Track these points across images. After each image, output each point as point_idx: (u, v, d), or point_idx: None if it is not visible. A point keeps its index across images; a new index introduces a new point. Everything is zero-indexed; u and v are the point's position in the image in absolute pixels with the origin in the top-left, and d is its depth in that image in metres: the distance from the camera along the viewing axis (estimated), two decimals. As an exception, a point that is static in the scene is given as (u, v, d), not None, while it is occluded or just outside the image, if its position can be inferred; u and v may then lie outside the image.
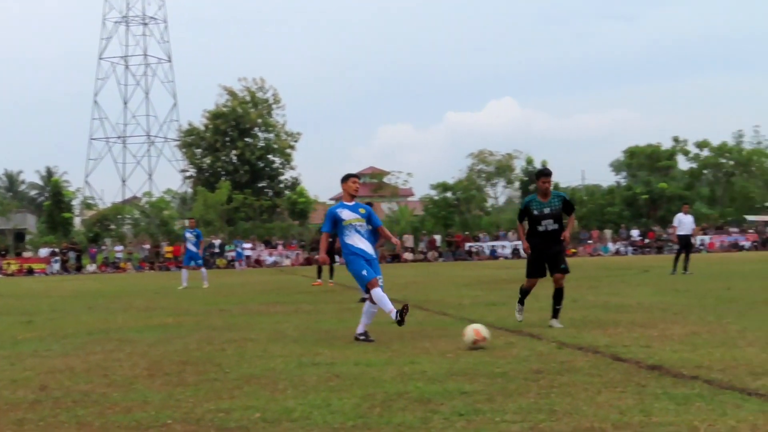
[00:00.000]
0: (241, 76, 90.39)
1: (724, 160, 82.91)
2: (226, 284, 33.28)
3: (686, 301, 17.34)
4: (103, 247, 69.42)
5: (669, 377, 8.21)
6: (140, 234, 74.57)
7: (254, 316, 16.83)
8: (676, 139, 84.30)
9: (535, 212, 13.06)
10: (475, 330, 10.65)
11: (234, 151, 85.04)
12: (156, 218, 76.23)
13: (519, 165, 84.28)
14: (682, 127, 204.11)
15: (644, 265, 39.64)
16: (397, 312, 11.73)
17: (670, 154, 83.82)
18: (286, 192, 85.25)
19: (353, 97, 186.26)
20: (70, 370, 9.94)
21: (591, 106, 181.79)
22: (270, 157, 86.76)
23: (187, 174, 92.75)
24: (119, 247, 68.46)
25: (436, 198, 78.01)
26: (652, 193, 76.27)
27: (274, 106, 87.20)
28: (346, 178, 12.48)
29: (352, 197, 12.45)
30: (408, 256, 66.05)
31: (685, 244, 29.91)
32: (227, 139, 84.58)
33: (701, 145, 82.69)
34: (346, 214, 12.22)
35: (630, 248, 68.18)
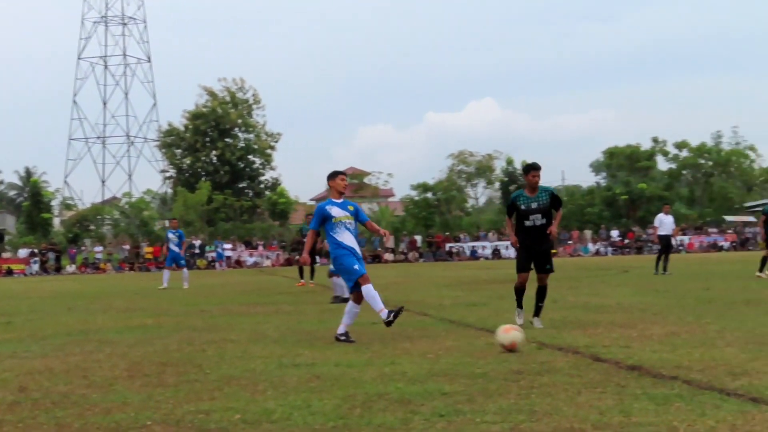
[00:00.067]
0: (221, 77, 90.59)
1: (703, 161, 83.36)
2: (207, 285, 33.20)
3: (666, 301, 17.40)
4: (83, 248, 69.13)
5: (648, 377, 8.23)
6: (120, 235, 74.32)
7: (234, 317, 16.80)
8: (655, 140, 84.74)
9: (523, 207, 13.01)
10: (513, 342, 10.28)
11: (214, 152, 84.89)
12: (136, 219, 75.97)
13: (499, 165, 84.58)
14: (662, 127, 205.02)
15: (624, 266, 39.79)
16: (390, 312, 11.74)
17: (650, 155, 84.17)
18: (267, 192, 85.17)
19: (333, 98, 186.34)
20: (49, 371, 9.90)
21: (571, 106, 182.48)
22: (250, 157, 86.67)
23: (167, 174, 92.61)
24: (99, 248, 68.23)
25: (417, 198, 78.14)
26: (631, 194, 76.61)
27: (254, 106, 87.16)
28: (333, 176, 12.46)
29: (341, 194, 12.44)
30: (388, 256, 66.10)
31: (666, 245, 30.04)
32: (207, 139, 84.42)
33: (680, 145, 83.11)
34: (335, 211, 12.19)
35: (610, 248, 68.44)
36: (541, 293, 13.16)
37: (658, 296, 18.85)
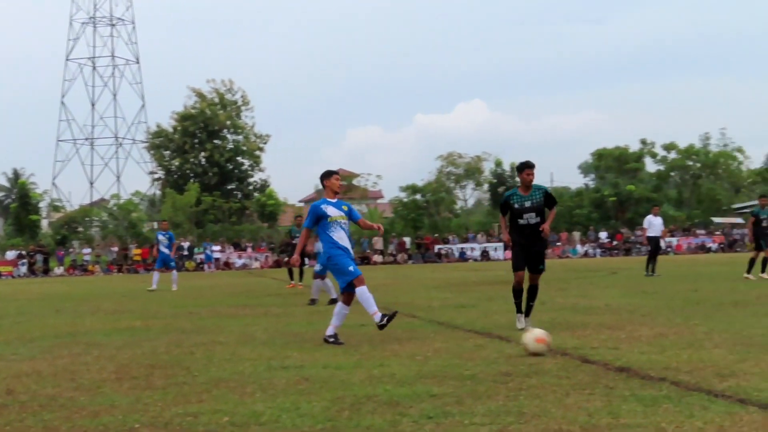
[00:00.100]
0: (209, 78, 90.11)
1: (691, 163, 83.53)
2: (195, 287, 33.15)
3: (654, 302, 17.44)
4: (71, 250, 68.92)
5: (637, 379, 8.25)
6: (108, 236, 74.12)
7: (223, 319, 16.78)
8: (643, 142, 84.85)
9: (516, 206, 12.96)
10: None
11: (203, 153, 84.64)
12: (124, 220, 75.76)
13: (488, 167, 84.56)
14: (650, 129, 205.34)
15: (612, 267, 39.84)
16: (384, 316, 11.74)
17: (638, 157, 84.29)
18: (255, 194, 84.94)
19: (322, 99, 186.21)
20: (37, 373, 9.88)
21: (559, 108, 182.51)
22: (239, 159, 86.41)
23: (156, 176, 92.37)
24: (87, 250, 68.05)
25: (406, 200, 78.13)
26: (620, 195, 76.70)
27: (242, 107, 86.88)
28: (328, 175, 12.46)
29: (336, 194, 12.44)
30: (377, 258, 66.10)
31: (655, 246, 30.13)
32: (196, 140, 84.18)
33: (669, 147, 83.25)
34: (331, 211, 12.18)
35: (598, 250, 68.49)
36: (532, 293, 13.17)
37: (647, 298, 18.89)
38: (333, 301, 19.83)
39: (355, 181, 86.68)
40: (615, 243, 69.60)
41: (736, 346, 10.27)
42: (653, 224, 30.13)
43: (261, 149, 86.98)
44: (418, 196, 78.39)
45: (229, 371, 9.56)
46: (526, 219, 12.95)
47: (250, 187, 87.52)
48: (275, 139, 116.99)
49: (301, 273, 28.53)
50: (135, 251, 66.53)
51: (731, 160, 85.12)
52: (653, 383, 7.99)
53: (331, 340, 11.84)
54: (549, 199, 13.11)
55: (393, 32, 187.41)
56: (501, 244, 67.76)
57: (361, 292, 11.84)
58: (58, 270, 63.92)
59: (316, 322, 15.01)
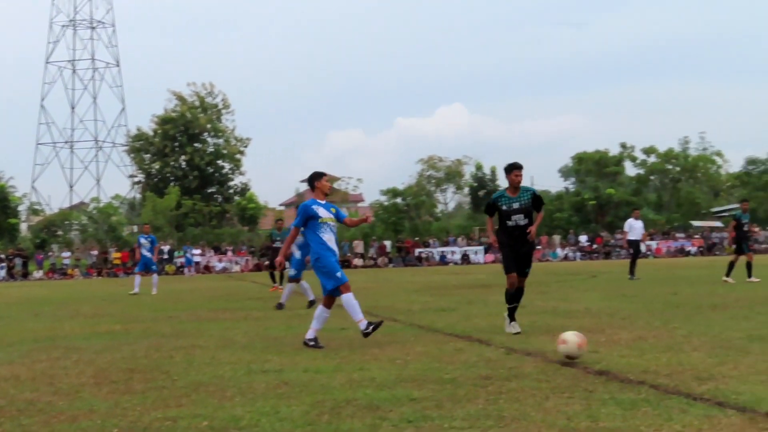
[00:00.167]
0: (190, 81, 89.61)
1: (670, 166, 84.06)
2: (175, 291, 33.05)
3: (633, 306, 17.49)
4: (50, 254, 68.64)
5: (616, 382, 8.27)
6: (88, 240, 73.87)
7: (203, 323, 16.74)
8: (623, 145, 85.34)
9: (504, 207, 12.91)
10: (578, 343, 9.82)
11: (183, 157, 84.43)
12: (104, 224, 75.53)
13: (468, 171, 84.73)
14: (630, 133, 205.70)
15: (592, 271, 39.95)
16: (369, 324, 11.74)
17: (618, 160, 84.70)
18: (236, 198, 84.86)
19: (303, 103, 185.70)
20: (15, 378, 9.83)
21: (540, 112, 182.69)
22: (219, 162, 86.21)
23: (136, 179, 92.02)
24: (67, 254, 67.75)
25: (386, 204, 78.15)
26: (600, 199, 76.97)
27: (223, 111, 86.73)
28: (319, 177, 12.45)
29: (325, 195, 12.44)
30: (358, 261, 66.07)
31: (636, 249, 30.25)
32: (176, 144, 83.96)
33: (648, 151, 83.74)
34: (322, 212, 12.17)
35: (578, 254, 68.66)
36: (519, 295, 13.15)
37: (627, 301, 18.95)
38: (311, 304, 19.82)
39: (335, 185, 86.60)
40: (595, 246, 69.81)
41: (715, 350, 10.31)
42: (634, 227, 30.23)
43: (241, 152, 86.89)
44: (398, 200, 78.45)
45: (208, 375, 9.54)
46: (514, 221, 12.90)
47: (231, 191, 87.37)
48: (256, 142, 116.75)
49: (282, 276, 28.49)
50: (115, 255, 66.33)
51: (710, 164, 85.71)
52: (632, 386, 8.01)
53: (311, 343, 11.82)
54: (537, 201, 13.07)
55: (374, 36, 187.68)
56: (481, 248, 67.92)
57: (348, 299, 11.83)
58: (38, 274, 63.63)
59: (296, 326, 14.99)
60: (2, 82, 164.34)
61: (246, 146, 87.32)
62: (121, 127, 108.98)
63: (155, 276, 30.72)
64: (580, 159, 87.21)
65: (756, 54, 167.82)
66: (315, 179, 12.43)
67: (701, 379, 8.27)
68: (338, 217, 12.41)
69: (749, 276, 24.99)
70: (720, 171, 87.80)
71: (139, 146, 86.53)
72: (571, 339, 9.75)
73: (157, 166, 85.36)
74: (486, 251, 67.12)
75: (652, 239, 66.22)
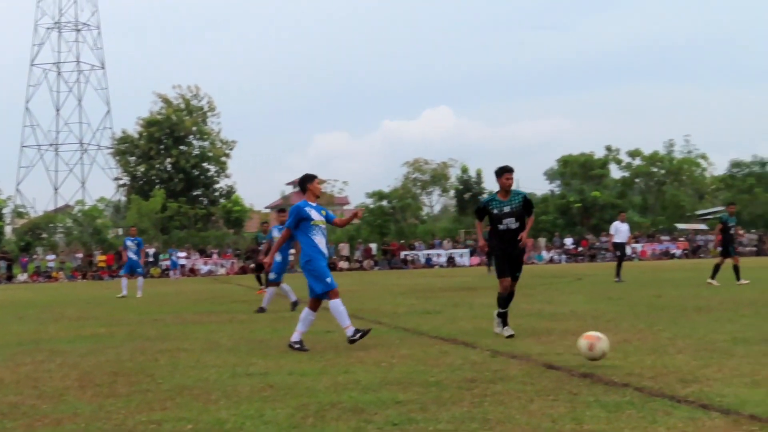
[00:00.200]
0: (175, 84, 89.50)
1: (655, 169, 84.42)
2: (160, 293, 32.98)
3: (618, 308, 17.53)
4: (35, 256, 68.43)
5: (601, 385, 8.29)
6: (73, 243, 73.65)
7: (188, 326, 16.71)
8: (608, 148, 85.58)
9: (495, 211, 12.82)
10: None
11: (168, 159, 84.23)
12: (89, 227, 75.33)
13: (454, 173, 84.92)
14: (615, 136, 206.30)
15: (578, 273, 40.01)
16: (357, 331, 11.73)
17: (603, 163, 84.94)
18: (221, 200, 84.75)
19: (289, 105, 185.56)
20: (-2, 381, 9.79)
21: (525, 115, 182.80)
22: (205, 165, 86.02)
23: (121, 182, 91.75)
24: (51, 256, 67.52)
25: (372, 206, 78.13)
26: (585, 202, 77.13)
27: (209, 113, 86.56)
28: (311, 179, 12.44)
29: (317, 198, 12.44)
30: (343, 264, 66.04)
31: (622, 252, 30.34)
32: (161, 146, 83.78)
33: (633, 154, 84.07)
34: (315, 215, 12.15)
35: (564, 256, 68.78)
36: (510, 298, 13.10)
37: (611, 304, 18.98)
38: (295, 305, 19.81)
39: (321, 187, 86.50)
40: (580, 249, 69.93)
41: (699, 352, 10.34)
42: (620, 230, 30.29)
43: (227, 155, 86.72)
44: (384, 203, 78.49)
45: (193, 378, 9.52)
46: (505, 224, 12.82)
47: (216, 194, 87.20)
48: (241, 145, 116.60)
49: (267, 278, 28.42)
50: (100, 258, 66.10)
51: (695, 167, 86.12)
52: (617, 389, 8.03)
53: (297, 346, 11.81)
54: (527, 205, 12.99)
55: (360, 38, 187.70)
56: (467, 251, 67.95)
57: (336, 305, 11.83)
58: (22, 277, 63.38)
59: (281, 328, 14.97)
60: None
61: (231, 149, 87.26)
62: (106, 129, 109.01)
63: (141, 279, 30.68)
64: (566, 162, 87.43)
65: (740, 57, 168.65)
66: (307, 181, 12.42)
67: (686, 382, 8.29)
68: (328, 219, 12.40)
69: (738, 279, 25.04)
70: (705, 174, 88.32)
71: (124, 149, 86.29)
72: (582, 343, 9.73)
73: (142, 168, 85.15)
74: (472, 254, 67.18)
75: (637, 242, 66.41)
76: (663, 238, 72.03)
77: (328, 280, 11.89)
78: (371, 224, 75.48)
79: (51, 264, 65.77)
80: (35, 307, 26.10)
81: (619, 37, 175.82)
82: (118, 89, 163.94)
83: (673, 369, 9.06)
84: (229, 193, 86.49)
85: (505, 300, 13.03)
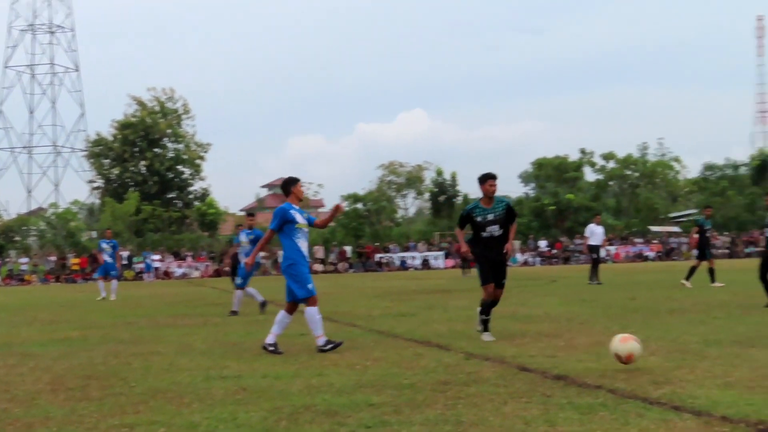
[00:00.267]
0: (150, 86, 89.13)
1: (629, 172, 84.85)
2: (134, 296, 32.84)
3: (592, 311, 17.60)
4: (8, 260, 67.99)
5: (574, 387, 8.32)
6: (46, 246, 73.23)
7: (162, 329, 16.65)
8: (583, 151, 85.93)
9: (479, 219, 12.79)
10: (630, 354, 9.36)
11: (143, 162, 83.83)
12: (62, 230, 74.87)
13: (429, 176, 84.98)
14: (589, 139, 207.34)
15: (552, 276, 40.14)
16: (328, 342, 11.71)
17: (577, 166, 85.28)
18: (196, 203, 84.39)
19: (263, 108, 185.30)
20: (-31, 385, 9.72)
21: (500, 117, 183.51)
22: (179, 167, 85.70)
23: (95, 185, 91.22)
24: (24, 259, 67.09)
25: (347, 209, 78.10)
26: (559, 204, 77.33)
27: (183, 116, 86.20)
28: (294, 182, 12.39)
29: (300, 201, 12.42)
30: (318, 267, 65.95)
31: (597, 255, 30.46)
32: (136, 149, 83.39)
33: (607, 156, 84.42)
34: (299, 218, 12.12)
35: (538, 259, 68.95)
36: (493, 306, 13.06)
37: (585, 306, 19.05)
38: (264, 305, 19.79)
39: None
40: (554, 251, 70.12)
41: (672, 354, 10.40)
42: (595, 233, 30.41)
43: (202, 158, 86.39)
44: (359, 205, 78.41)
45: (166, 382, 9.49)
46: (489, 232, 12.80)
47: (191, 196, 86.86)
48: (216, 147, 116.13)
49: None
50: (73, 261, 65.73)
51: (668, 170, 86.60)
52: (590, 391, 8.06)
53: (271, 348, 11.78)
54: (510, 213, 12.98)
55: (334, 41, 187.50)
56: (441, 253, 67.99)
57: (312, 313, 11.80)
58: (-6, 280, 63.03)
59: (255, 331, 14.93)
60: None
61: (206, 151, 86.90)
62: (81, 132, 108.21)
63: (114, 282, 30.56)
64: (540, 164, 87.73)
65: (713, 61, 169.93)
66: (290, 184, 12.39)
67: (658, 384, 8.33)
68: (310, 222, 12.38)
69: (712, 281, 25.19)
70: (678, 177, 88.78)
71: (98, 151, 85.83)
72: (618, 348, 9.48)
73: (116, 171, 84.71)
74: (446, 256, 67.24)
75: (611, 244, 66.67)
76: (636, 240, 72.33)
77: (310, 286, 11.86)
78: (346, 227, 75.40)
79: (24, 267, 65.34)
80: (7, 310, 25.95)
81: (593, 41, 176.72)
82: (92, 92, 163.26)
83: (645, 371, 9.11)
84: (204, 195, 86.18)
85: (488, 306, 13.01)
